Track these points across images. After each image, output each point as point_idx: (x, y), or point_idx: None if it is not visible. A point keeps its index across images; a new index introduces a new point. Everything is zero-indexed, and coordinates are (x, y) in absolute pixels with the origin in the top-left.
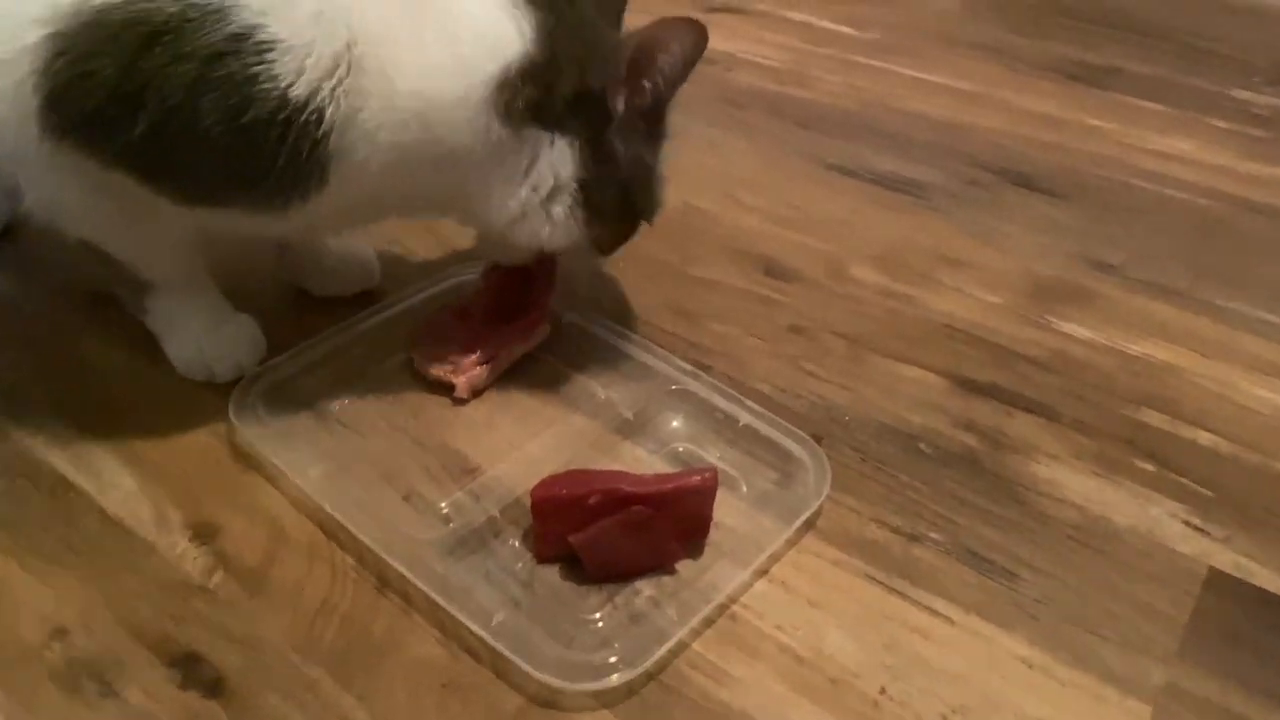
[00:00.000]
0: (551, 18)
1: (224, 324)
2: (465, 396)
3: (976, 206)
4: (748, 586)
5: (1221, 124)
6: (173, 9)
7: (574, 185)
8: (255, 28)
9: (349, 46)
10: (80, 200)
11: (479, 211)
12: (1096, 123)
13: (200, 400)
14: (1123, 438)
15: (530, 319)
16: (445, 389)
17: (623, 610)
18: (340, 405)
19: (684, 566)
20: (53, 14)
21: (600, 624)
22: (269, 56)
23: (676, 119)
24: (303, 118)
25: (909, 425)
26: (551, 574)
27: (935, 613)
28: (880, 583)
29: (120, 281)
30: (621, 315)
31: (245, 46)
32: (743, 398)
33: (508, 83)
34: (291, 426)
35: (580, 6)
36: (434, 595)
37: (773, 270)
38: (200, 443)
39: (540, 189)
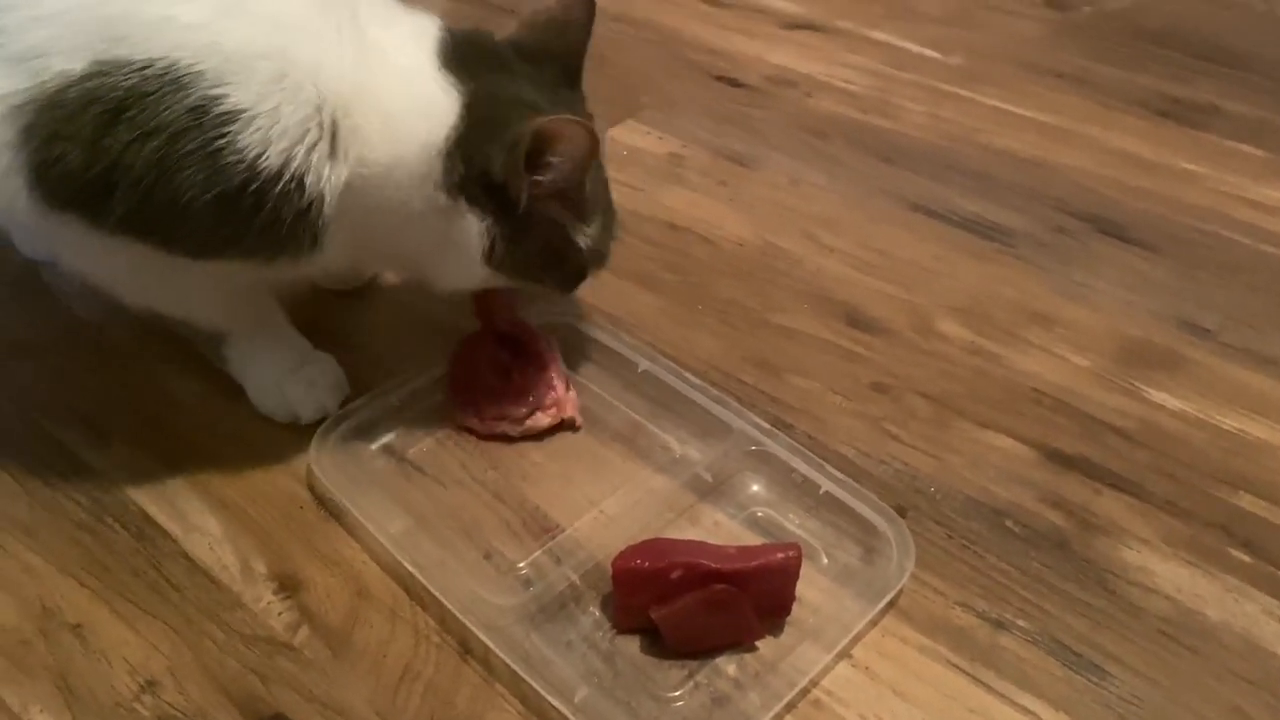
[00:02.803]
0: (474, 88)
1: (304, 365)
2: (581, 421)
3: (1064, 257)
4: (829, 669)
5: None
6: (129, 83)
7: (491, 247)
8: (215, 99)
9: (319, 110)
10: (107, 263)
11: (420, 267)
12: (1189, 166)
13: (280, 439)
14: (1216, 523)
15: (537, 332)
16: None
17: (704, 691)
18: (418, 452)
19: (765, 645)
20: (10, 95)
21: (681, 703)
22: (232, 128)
23: (756, 150)
24: (278, 187)
25: (996, 500)
26: (631, 646)
27: (1022, 709)
28: (965, 672)
29: (196, 334)
30: (700, 364)
31: (206, 120)
32: (824, 462)
33: (443, 155)
34: (370, 474)
35: (501, 76)
36: (518, 668)
37: (855, 320)
38: (282, 486)
39: (466, 250)
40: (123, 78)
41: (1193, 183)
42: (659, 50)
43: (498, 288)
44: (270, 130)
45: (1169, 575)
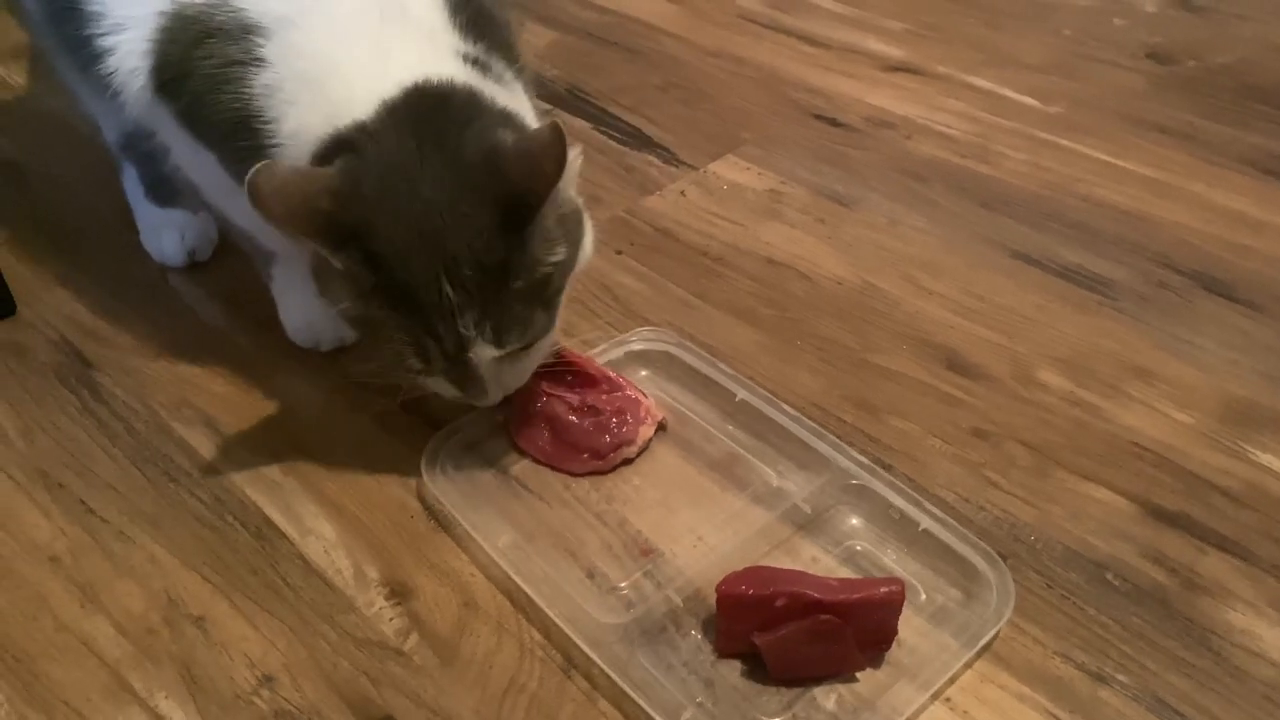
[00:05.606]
0: (378, 133)
1: None
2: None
3: (1166, 312)
4: (924, 709)
5: None
6: (222, 18)
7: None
8: (260, 45)
9: (307, 85)
10: (189, 154)
11: None
12: None
13: (394, 450)
14: None
15: (579, 355)
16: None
17: None
18: (522, 469)
19: (863, 680)
20: (164, 6)
21: None
22: (258, 70)
23: (855, 189)
24: (260, 128)
25: (1096, 552)
26: (732, 671)
27: None
28: None
29: (254, 249)
30: (799, 400)
31: (247, 59)
32: (922, 500)
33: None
34: (479, 488)
35: (409, 145)
36: (625, 686)
37: (955, 365)
38: (393, 495)
39: None
40: (223, 13)
41: None
42: (759, 88)
43: None
44: (277, 86)
45: (1275, 640)
